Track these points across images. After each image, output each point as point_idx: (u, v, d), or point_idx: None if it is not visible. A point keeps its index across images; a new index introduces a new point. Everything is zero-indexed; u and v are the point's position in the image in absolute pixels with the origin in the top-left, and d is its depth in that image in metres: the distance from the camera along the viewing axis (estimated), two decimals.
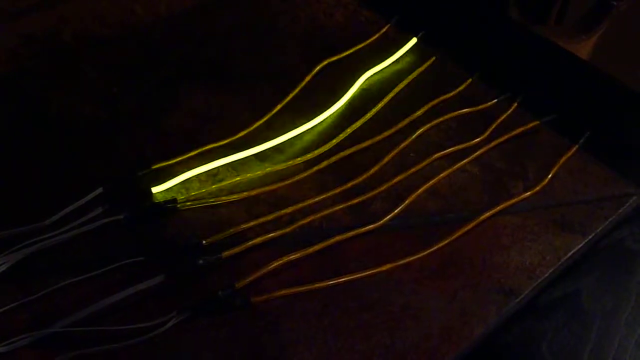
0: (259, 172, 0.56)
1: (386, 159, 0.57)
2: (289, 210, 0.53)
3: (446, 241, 0.51)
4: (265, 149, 0.58)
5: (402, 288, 0.48)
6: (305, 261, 0.49)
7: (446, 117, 0.61)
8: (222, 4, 0.74)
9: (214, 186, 0.54)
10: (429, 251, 0.50)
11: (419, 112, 0.62)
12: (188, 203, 0.53)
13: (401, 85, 0.65)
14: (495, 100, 0.63)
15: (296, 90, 0.63)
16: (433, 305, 0.47)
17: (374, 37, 0.70)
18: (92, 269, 0.47)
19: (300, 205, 0.53)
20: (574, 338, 0.48)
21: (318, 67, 0.66)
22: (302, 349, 0.44)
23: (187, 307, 0.45)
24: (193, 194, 0.54)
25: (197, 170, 0.55)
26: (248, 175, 0.55)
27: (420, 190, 0.55)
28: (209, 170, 0.56)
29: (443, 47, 0.68)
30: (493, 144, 0.59)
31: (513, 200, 0.54)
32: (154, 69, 0.66)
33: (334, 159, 0.57)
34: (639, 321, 0.49)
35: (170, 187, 0.54)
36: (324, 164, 0.57)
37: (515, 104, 0.62)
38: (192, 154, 0.56)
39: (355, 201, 0.54)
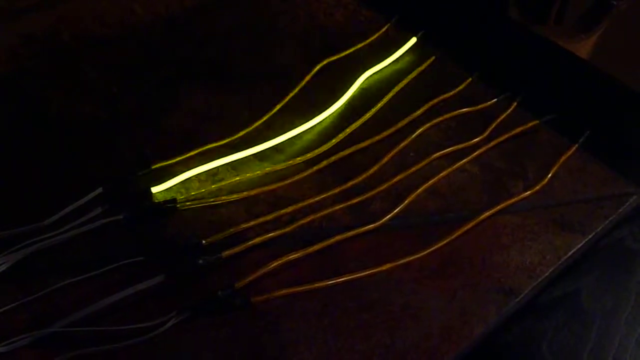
0: (258, 172, 0.56)
1: (386, 159, 0.57)
2: (289, 210, 0.53)
3: (446, 241, 0.51)
4: (265, 149, 0.58)
5: (402, 288, 0.48)
6: (305, 261, 0.49)
7: (446, 116, 0.61)
8: (222, 3, 0.74)
9: (213, 186, 0.54)
10: (428, 251, 0.50)
11: (418, 112, 0.61)
12: (188, 203, 0.53)
13: (401, 85, 0.65)
14: (495, 99, 0.63)
15: (296, 90, 0.63)
16: (433, 304, 0.47)
17: (374, 37, 0.70)
18: (92, 269, 0.47)
19: (300, 205, 0.53)
20: (574, 337, 0.48)
21: (318, 67, 0.66)
22: (302, 348, 0.44)
23: (187, 307, 0.45)
24: (193, 193, 0.54)
25: (197, 170, 0.55)
26: (248, 175, 0.55)
27: (419, 190, 0.55)
28: (208, 170, 0.56)
29: (443, 47, 0.68)
30: (493, 143, 0.59)
31: (513, 200, 0.54)
32: (154, 69, 0.66)
33: (333, 158, 0.57)
34: (639, 320, 0.49)
35: (169, 187, 0.54)
36: (324, 163, 0.57)
37: (515, 104, 0.62)
38: (192, 153, 0.56)
39: (355, 201, 0.54)
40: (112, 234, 0.50)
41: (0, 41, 0.68)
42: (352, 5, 0.75)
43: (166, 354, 0.44)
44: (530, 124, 0.60)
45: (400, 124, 0.60)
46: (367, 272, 0.49)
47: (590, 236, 0.52)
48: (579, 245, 0.51)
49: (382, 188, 0.55)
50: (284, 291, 0.47)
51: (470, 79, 0.65)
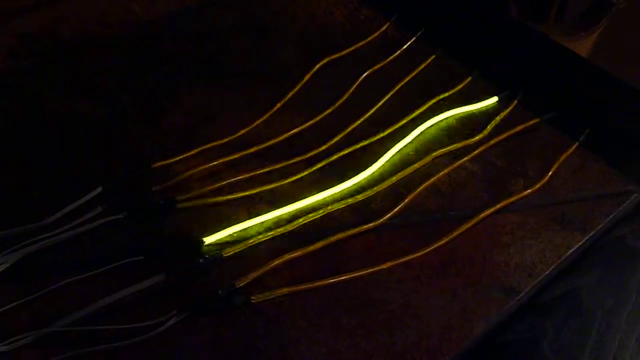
0: (258, 171, 0.56)
1: (386, 158, 0.57)
2: (289, 208, 0.53)
3: (446, 239, 0.51)
4: (265, 147, 0.58)
5: (402, 286, 0.48)
6: (305, 260, 0.49)
7: (446, 114, 0.61)
8: (221, 2, 0.74)
9: (214, 185, 0.54)
10: (429, 249, 0.50)
11: (418, 111, 0.61)
12: (188, 202, 0.53)
13: (401, 83, 0.64)
14: (495, 98, 0.63)
15: (296, 89, 0.63)
16: (433, 303, 0.47)
17: (374, 36, 0.70)
18: (92, 269, 0.47)
19: (300, 204, 0.53)
20: (575, 336, 0.48)
21: (318, 66, 0.66)
22: (302, 347, 0.44)
23: (187, 306, 0.45)
24: (193, 192, 0.53)
25: (197, 169, 0.55)
26: (248, 173, 0.55)
27: (420, 188, 0.55)
28: (208, 169, 0.56)
29: (443, 45, 0.68)
30: (493, 141, 0.59)
31: (513, 198, 0.54)
32: (154, 68, 0.66)
33: (333, 157, 0.57)
34: None
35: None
36: (324, 162, 0.57)
37: (515, 102, 0.62)
38: (192, 152, 0.56)
39: (355, 200, 0.54)
40: (112, 233, 0.50)
41: None
42: (352, 4, 0.75)
43: (166, 353, 0.44)
44: (531, 122, 0.60)
45: (400, 123, 0.60)
46: (367, 271, 0.48)
47: (590, 234, 0.52)
48: (580, 244, 0.51)
49: (382, 187, 0.55)
50: (284, 290, 0.47)
51: (470, 77, 0.65)
